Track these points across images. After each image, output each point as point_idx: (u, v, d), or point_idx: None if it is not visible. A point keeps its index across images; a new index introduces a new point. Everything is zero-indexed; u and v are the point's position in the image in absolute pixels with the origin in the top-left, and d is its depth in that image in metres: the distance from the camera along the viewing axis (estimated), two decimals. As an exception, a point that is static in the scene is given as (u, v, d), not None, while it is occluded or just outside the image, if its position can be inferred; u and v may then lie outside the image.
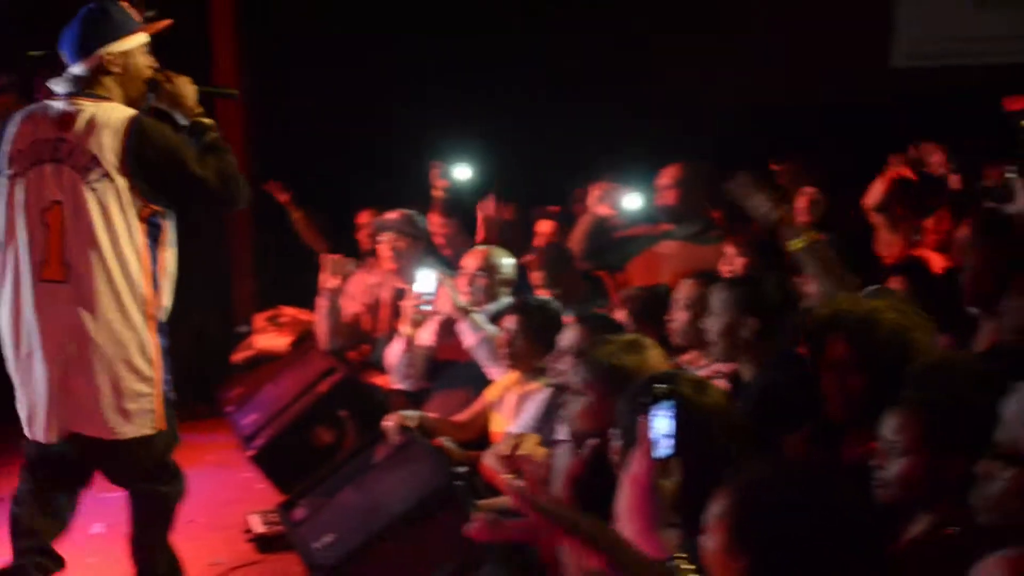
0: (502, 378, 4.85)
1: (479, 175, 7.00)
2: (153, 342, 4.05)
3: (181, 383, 7.48)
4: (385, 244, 6.02)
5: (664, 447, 2.24)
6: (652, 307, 4.50)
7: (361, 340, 6.37)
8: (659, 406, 2.28)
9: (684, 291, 4.36)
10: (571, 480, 2.46)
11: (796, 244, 3.57)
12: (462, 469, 4.25)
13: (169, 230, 4.08)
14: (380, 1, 8.35)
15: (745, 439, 2.77)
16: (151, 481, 4.16)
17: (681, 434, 2.24)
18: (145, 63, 4.11)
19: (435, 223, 6.40)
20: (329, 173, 7.92)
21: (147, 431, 4.05)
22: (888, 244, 6.06)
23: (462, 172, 6.74)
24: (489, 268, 5.52)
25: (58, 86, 4.07)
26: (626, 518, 2.18)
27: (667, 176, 5.71)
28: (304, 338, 6.33)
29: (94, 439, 4.02)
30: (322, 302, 6.16)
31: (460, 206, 6.67)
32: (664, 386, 2.34)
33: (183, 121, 4.15)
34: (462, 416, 4.91)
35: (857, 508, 2.21)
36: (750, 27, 8.56)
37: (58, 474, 4.16)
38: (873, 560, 2.18)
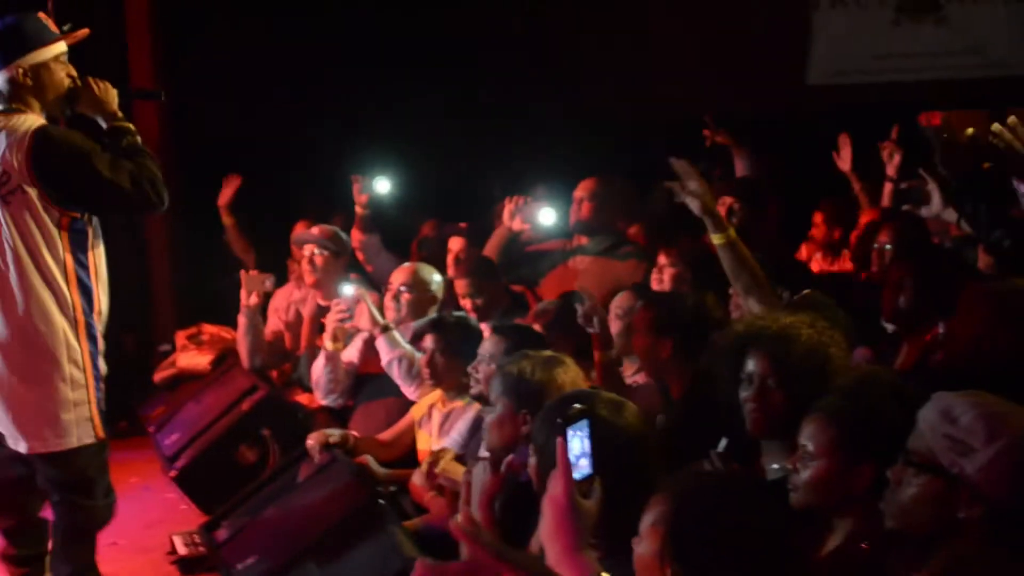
0: (427, 395, 4.84)
1: (400, 189, 6.99)
2: (83, 348, 4.01)
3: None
4: (306, 259, 5.99)
5: (582, 468, 2.25)
6: (565, 318, 4.54)
7: (284, 358, 6.33)
8: (575, 426, 2.28)
9: (619, 302, 4.55)
10: (488, 498, 2.46)
11: (717, 239, 3.64)
12: (386, 488, 4.27)
13: (95, 235, 4.08)
14: (303, 9, 8.29)
15: (660, 459, 2.81)
16: (82, 494, 4.11)
17: (598, 454, 2.25)
18: (62, 72, 4.10)
19: (356, 238, 6.36)
20: (252, 182, 7.88)
21: (87, 440, 4.03)
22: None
23: (382, 186, 6.73)
24: (416, 284, 5.49)
25: None
26: (548, 539, 2.18)
27: (581, 189, 5.77)
28: (226, 356, 6.28)
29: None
30: (242, 320, 6.12)
31: (381, 220, 6.63)
32: (579, 406, 2.36)
33: (104, 125, 4.14)
34: (387, 434, 4.90)
35: (782, 518, 2.31)
36: (668, 41, 8.63)
37: None
38: (796, 570, 2.24)
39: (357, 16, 8.23)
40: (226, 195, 7.25)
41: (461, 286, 5.45)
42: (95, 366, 4.09)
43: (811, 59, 8.70)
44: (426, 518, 4.16)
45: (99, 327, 4.13)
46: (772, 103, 8.33)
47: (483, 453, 3.72)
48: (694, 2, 8.72)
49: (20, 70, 4.01)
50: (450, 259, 6.08)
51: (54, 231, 3.99)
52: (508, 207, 5.91)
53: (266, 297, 6.30)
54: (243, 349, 6.08)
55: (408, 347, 5.02)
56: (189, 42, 8.35)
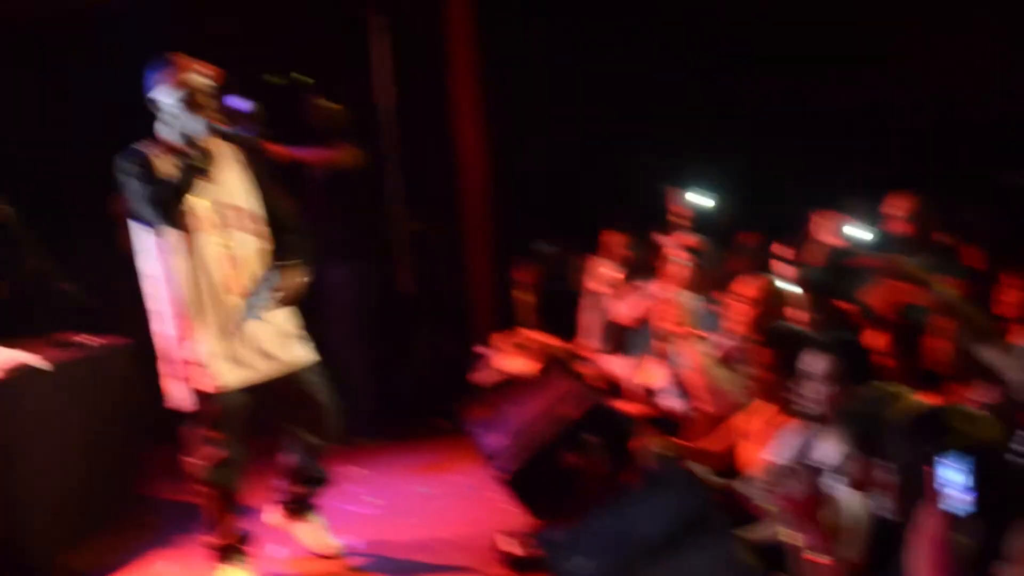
0: (756, 406, 4.85)
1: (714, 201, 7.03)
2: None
3: (419, 397, 7.80)
4: (675, 265, 6.00)
5: (959, 502, 2.12)
6: (906, 337, 4.44)
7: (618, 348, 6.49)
8: (950, 456, 2.15)
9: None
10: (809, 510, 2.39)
11: None
12: (717, 495, 4.30)
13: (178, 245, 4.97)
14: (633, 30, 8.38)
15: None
16: None
17: (980, 488, 2.12)
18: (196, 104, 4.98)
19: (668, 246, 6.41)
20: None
21: None
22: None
23: (701, 200, 6.77)
24: (769, 298, 5.41)
25: None
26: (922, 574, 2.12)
27: (899, 207, 5.63)
28: (551, 362, 6.41)
29: None
30: (587, 303, 6.34)
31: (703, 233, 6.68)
32: (959, 436, 2.24)
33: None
34: (713, 443, 4.92)
35: None
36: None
37: None
38: None
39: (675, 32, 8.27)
40: None
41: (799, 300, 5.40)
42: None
43: None
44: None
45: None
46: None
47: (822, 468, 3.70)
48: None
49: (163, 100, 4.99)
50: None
51: (142, 236, 5.04)
52: (823, 223, 5.83)
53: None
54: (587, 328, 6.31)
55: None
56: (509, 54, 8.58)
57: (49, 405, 5.66)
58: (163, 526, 6.16)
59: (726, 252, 6.69)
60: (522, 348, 6.67)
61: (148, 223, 5.01)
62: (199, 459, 5.20)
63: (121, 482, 6.42)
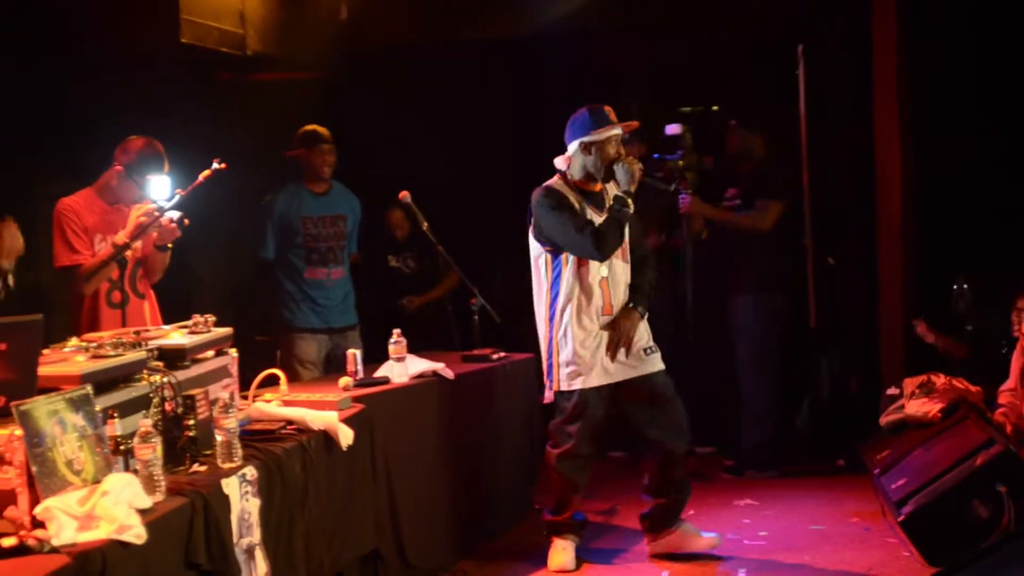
0: None
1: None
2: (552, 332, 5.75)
3: (819, 434, 7.61)
4: None
5: None
6: None
7: None
8: None
9: None
10: None
11: None
12: None
13: (568, 270, 5.66)
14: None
15: None
16: None
17: None
18: (612, 150, 5.65)
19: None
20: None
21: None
22: None
23: None
24: None
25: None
26: None
27: None
28: (957, 406, 6.06)
29: None
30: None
31: None
32: None
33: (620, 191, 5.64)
34: None
35: None
36: None
37: None
38: None
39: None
40: None
41: None
42: (549, 349, 5.76)
43: None
44: None
45: (557, 326, 5.70)
46: None
47: None
48: None
49: (582, 144, 5.68)
50: None
51: (540, 258, 5.77)
52: None
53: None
54: None
55: None
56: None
57: (451, 412, 5.91)
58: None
59: None
60: (933, 390, 6.35)
61: (556, 249, 5.68)
62: (555, 448, 5.80)
63: (519, 491, 6.58)
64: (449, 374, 5.81)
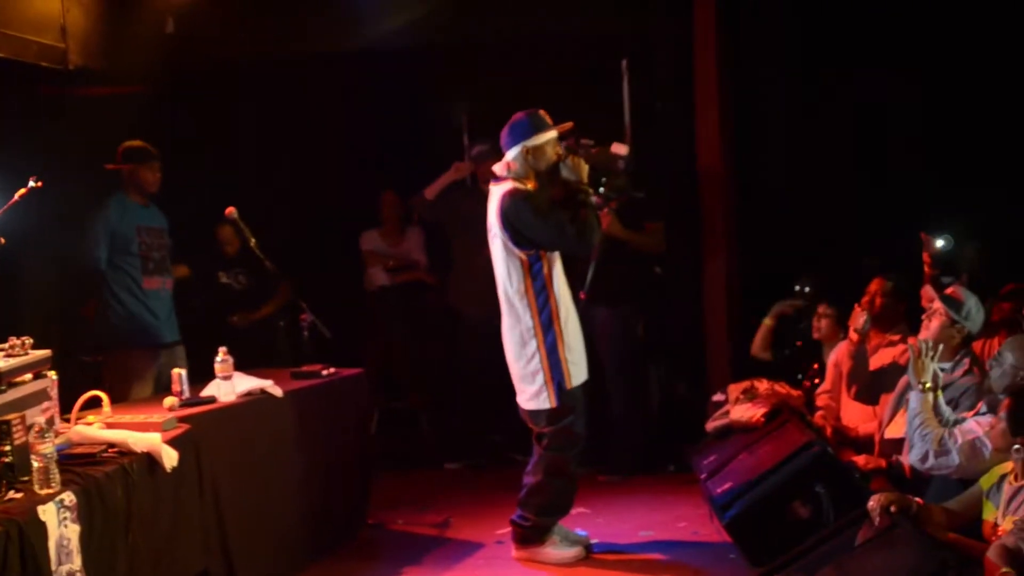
0: (999, 464, 4.57)
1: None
2: (537, 339, 5.83)
3: (650, 442, 7.75)
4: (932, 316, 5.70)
5: None
6: None
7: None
8: None
9: None
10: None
11: None
12: (952, 558, 4.06)
13: (550, 266, 5.81)
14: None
15: None
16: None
17: None
18: (551, 152, 5.86)
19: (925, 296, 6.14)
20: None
21: (544, 406, 5.87)
22: None
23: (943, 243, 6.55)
24: None
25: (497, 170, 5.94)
26: None
27: None
28: (779, 411, 6.24)
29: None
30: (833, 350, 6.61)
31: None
32: None
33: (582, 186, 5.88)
34: (954, 502, 4.66)
35: None
36: None
37: None
38: None
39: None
40: None
41: None
42: (549, 351, 5.81)
43: None
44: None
45: (557, 325, 5.80)
46: None
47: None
48: None
49: (525, 149, 5.82)
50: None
51: (516, 265, 5.81)
52: None
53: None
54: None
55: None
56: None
57: (280, 430, 5.84)
58: (391, 555, 6.23)
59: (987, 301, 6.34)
60: (756, 396, 6.53)
61: (534, 249, 5.79)
62: (567, 450, 5.95)
63: (352, 507, 6.55)
64: (277, 391, 5.75)
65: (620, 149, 6.54)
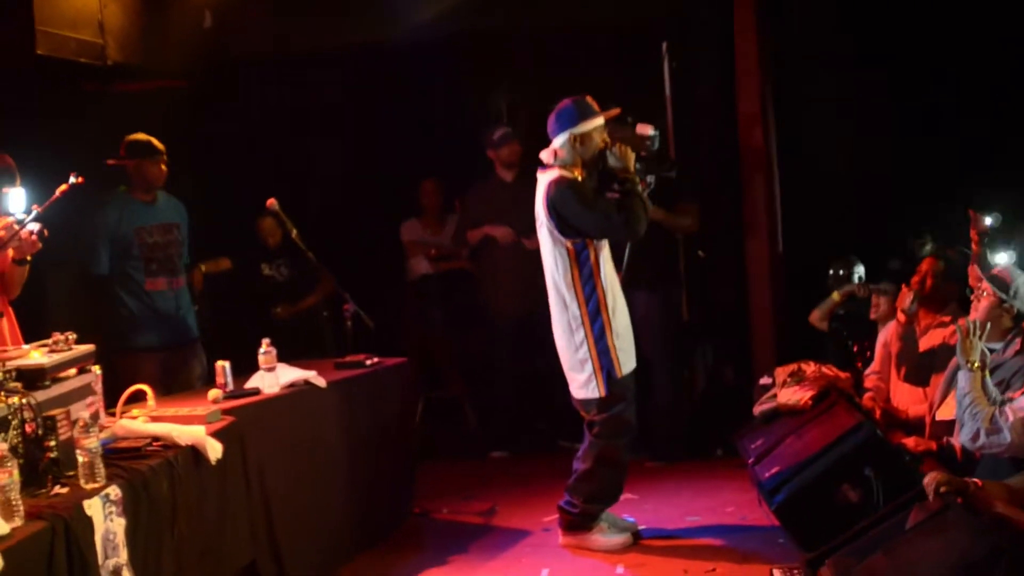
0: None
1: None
2: (585, 329, 5.82)
3: (697, 426, 7.71)
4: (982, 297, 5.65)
5: None
6: None
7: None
8: None
9: None
10: None
11: None
12: (1007, 541, 3.98)
13: (597, 254, 5.78)
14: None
15: None
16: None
17: None
18: (598, 139, 5.83)
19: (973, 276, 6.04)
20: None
21: (593, 395, 5.87)
22: None
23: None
24: None
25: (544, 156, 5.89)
26: None
27: None
28: (827, 393, 6.17)
29: None
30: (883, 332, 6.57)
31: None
32: None
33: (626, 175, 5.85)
34: (1014, 479, 4.58)
35: None
36: None
37: None
38: None
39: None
40: None
41: None
42: (597, 339, 5.79)
43: None
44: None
45: (604, 314, 5.79)
46: None
47: None
48: None
49: (573, 135, 5.77)
50: None
51: (561, 256, 5.81)
52: None
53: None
54: None
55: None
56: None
57: (325, 421, 5.85)
58: (437, 544, 6.22)
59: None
60: (803, 378, 6.45)
61: (580, 237, 5.76)
62: (618, 437, 5.94)
63: (398, 496, 6.55)
64: (321, 382, 5.75)
65: (646, 129, 6.47)
